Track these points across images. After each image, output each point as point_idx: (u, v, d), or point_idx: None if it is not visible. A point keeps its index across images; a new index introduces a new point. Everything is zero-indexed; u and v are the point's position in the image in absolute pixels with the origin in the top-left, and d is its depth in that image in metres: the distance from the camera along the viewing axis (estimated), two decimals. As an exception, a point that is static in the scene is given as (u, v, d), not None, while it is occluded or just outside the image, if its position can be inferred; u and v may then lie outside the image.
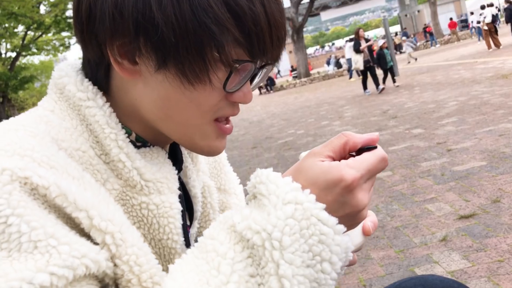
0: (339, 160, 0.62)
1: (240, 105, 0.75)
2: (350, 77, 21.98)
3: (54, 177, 0.61)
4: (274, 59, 0.73)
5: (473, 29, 26.58)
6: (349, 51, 20.47)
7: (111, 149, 0.70)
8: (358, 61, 13.24)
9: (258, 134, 10.97)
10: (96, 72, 0.73)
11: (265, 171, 0.61)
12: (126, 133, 0.73)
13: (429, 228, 3.59)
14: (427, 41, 38.46)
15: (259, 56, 0.68)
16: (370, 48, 13.33)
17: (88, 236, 0.63)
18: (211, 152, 0.76)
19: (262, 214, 0.58)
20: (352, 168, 0.59)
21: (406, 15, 54.99)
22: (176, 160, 0.83)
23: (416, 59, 23.45)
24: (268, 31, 0.66)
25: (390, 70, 13.61)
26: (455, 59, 18.74)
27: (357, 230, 0.72)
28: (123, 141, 0.71)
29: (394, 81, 13.89)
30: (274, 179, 0.60)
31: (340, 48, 64.50)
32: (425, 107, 9.08)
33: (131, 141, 0.74)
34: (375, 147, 0.63)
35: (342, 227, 0.57)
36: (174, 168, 0.79)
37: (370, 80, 13.58)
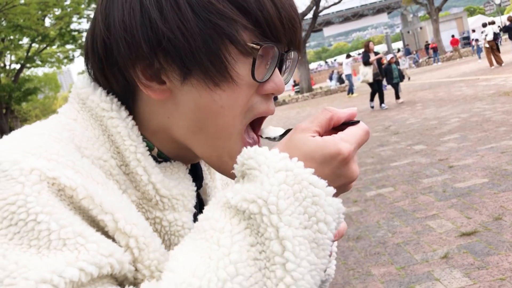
0: (323, 135, 0.63)
1: None
2: (348, 93, 21.77)
3: (81, 180, 0.61)
4: (294, 44, 0.73)
5: (474, 47, 26.66)
6: (346, 67, 20.52)
7: (130, 161, 0.70)
8: (368, 74, 13.27)
9: (259, 148, 10.98)
10: (125, 102, 0.74)
11: (251, 147, 0.62)
12: (147, 146, 0.73)
13: (430, 245, 3.57)
14: (429, 57, 38.63)
15: (274, 40, 0.68)
16: (379, 62, 13.37)
17: (112, 240, 0.63)
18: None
19: (255, 184, 0.59)
20: (346, 141, 0.61)
21: (408, 32, 55.33)
22: (197, 176, 0.82)
23: (409, 78, 22.80)
24: (276, 14, 0.67)
25: (395, 86, 13.64)
26: (457, 76, 18.80)
27: None
28: (142, 154, 0.71)
29: (397, 97, 13.90)
30: (262, 151, 0.61)
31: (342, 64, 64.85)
32: (427, 123, 9.09)
33: (152, 156, 0.74)
34: (358, 122, 0.65)
35: (332, 189, 0.59)
36: (194, 184, 0.78)
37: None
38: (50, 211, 0.57)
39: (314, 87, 34.95)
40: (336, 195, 0.62)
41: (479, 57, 25.26)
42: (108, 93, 0.73)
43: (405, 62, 24.97)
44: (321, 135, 0.63)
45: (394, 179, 5.69)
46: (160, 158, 0.77)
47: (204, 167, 0.88)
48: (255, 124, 0.76)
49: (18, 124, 26.26)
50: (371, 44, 13.61)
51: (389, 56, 13.98)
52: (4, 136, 0.68)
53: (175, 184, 0.74)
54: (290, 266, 0.56)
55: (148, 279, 0.64)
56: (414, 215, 4.33)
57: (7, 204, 0.56)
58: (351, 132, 0.63)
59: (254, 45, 0.66)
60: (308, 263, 0.57)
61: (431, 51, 37.82)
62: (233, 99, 0.68)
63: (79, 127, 0.71)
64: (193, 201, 0.77)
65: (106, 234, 0.62)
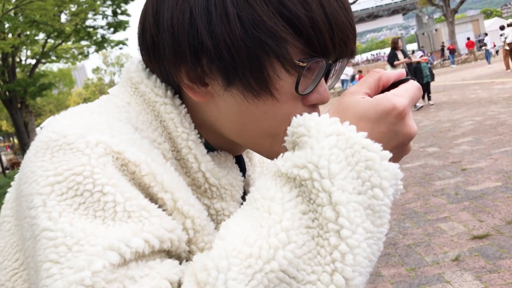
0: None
1: None
2: None
3: (144, 156, 0.62)
4: (345, 54, 0.70)
5: (489, 51, 26.21)
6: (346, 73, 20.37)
7: (182, 148, 0.70)
8: None
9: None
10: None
11: (301, 115, 0.60)
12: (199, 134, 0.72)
13: (442, 247, 3.55)
14: (444, 59, 38.30)
15: (322, 55, 0.66)
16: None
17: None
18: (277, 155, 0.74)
19: (305, 150, 0.56)
20: (400, 96, 0.58)
21: (423, 34, 54.92)
22: (240, 168, 0.82)
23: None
24: (329, 33, 0.64)
25: (425, 86, 12.50)
26: (472, 78, 18.63)
27: None
28: (193, 142, 0.71)
29: (429, 98, 13.16)
30: (312, 117, 0.58)
31: (357, 64, 64.53)
32: (441, 125, 9.02)
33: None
34: (408, 79, 0.63)
35: (388, 153, 0.56)
36: (241, 174, 0.78)
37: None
38: (115, 183, 0.57)
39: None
40: (395, 159, 0.59)
41: (488, 62, 24.77)
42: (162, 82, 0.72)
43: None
44: (371, 96, 0.61)
45: (406, 180, 5.66)
46: (207, 148, 0.76)
47: (246, 159, 0.88)
48: None
49: (32, 119, 26.51)
50: (399, 42, 12.28)
51: (418, 54, 13.20)
52: (62, 112, 0.69)
53: (224, 173, 0.74)
54: (345, 232, 0.53)
55: None
56: (425, 217, 4.30)
57: (73, 174, 0.57)
58: (404, 88, 0.61)
59: (300, 63, 0.64)
60: (364, 230, 0.54)
61: (447, 52, 37.43)
62: (277, 108, 0.67)
63: (133, 111, 0.71)
64: (240, 191, 0.77)
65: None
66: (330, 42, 0.64)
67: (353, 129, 0.56)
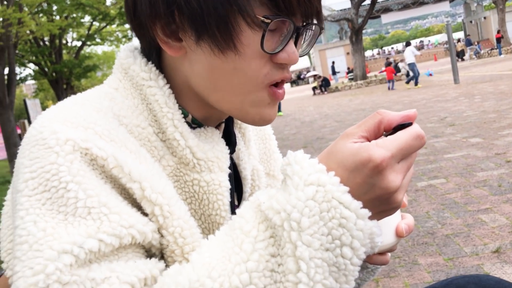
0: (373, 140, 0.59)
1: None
2: (408, 82, 19.90)
3: (112, 150, 0.66)
4: (311, 17, 0.72)
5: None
6: (409, 56, 18.82)
7: (167, 127, 0.75)
8: None
9: (309, 134, 10.93)
10: (150, 57, 0.79)
11: (294, 152, 0.60)
12: (182, 114, 0.77)
13: (482, 239, 3.48)
14: (492, 49, 36.97)
15: (287, 13, 0.68)
16: None
17: (139, 207, 0.68)
18: (262, 120, 0.76)
19: (284, 194, 0.57)
20: (382, 147, 0.55)
21: (471, 22, 53.09)
22: (230, 142, 0.86)
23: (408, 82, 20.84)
24: None
25: None
26: (521, 69, 17.93)
27: (390, 229, 0.70)
28: (178, 121, 0.75)
29: None
30: (300, 160, 0.58)
31: (399, 52, 63.04)
32: (485, 116, 8.76)
33: (187, 122, 0.78)
34: (410, 124, 0.58)
35: (366, 212, 0.55)
36: (227, 148, 0.82)
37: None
38: (79, 180, 0.62)
39: (368, 75, 34.30)
40: (378, 213, 0.58)
41: None
42: (147, 61, 0.78)
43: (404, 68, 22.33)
44: (369, 140, 0.59)
45: (447, 170, 5.55)
46: (194, 124, 0.81)
47: (238, 134, 0.92)
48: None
49: (77, 99, 27.16)
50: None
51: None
52: (56, 104, 0.75)
53: (210, 147, 0.79)
54: (302, 287, 0.54)
55: (172, 245, 0.69)
56: (466, 207, 4.21)
57: (43, 172, 0.62)
58: (393, 137, 0.57)
59: (264, 19, 0.66)
60: (323, 286, 0.55)
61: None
62: (246, 64, 0.70)
63: (119, 96, 0.77)
64: (227, 162, 0.81)
65: (134, 201, 0.68)
66: None
67: (335, 182, 0.56)
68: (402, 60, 23.14)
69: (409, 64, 18.91)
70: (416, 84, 19.15)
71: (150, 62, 0.77)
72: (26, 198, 0.61)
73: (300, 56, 0.76)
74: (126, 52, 0.81)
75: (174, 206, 0.69)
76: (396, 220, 0.70)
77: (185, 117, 0.78)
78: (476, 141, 6.83)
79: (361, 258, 0.56)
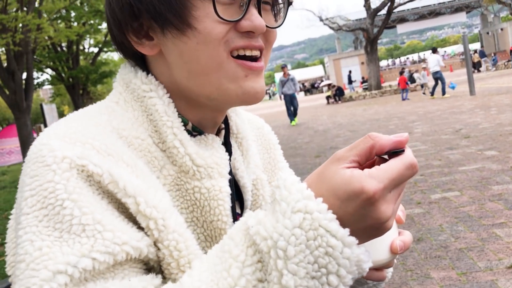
0: (365, 163, 0.59)
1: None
2: (432, 93, 18.85)
3: (108, 165, 0.68)
4: None
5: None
6: (434, 64, 17.70)
7: (167, 135, 0.76)
8: None
9: (322, 143, 10.91)
10: (137, 66, 0.82)
11: (285, 175, 0.60)
12: (182, 122, 0.79)
13: (496, 254, 3.43)
14: (508, 60, 36.60)
15: None
16: None
17: (135, 221, 0.69)
18: (246, 94, 0.76)
19: (272, 221, 0.57)
20: (374, 178, 0.55)
21: (488, 33, 52.70)
22: (228, 152, 0.87)
23: (424, 93, 20.85)
24: None
25: None
26: (538, 81, 17.71)
27: (385, 246, 0.69)
28: (177, 129, 0.77)
29: None
30: (289, 185, 0.58)
31: (415, 62, 62.69)
32: (501, 129, 8.67)
33: (187, 130, 0.80)
34: (402, 151, 0.58)
35: (353, 239, 0.55)
36: (227, 153, 0.83)
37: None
38: (75, 198, 0.63)
39: (383, 85, 34.16)
40: (367, 237, 0.59)
41: None
42: (148, 74, 0.80)
43: (419, 78, 21.93)
44: (361, 164, 0.59)
45: (461, 183, 5.50)
46: (195, 131, 0.83)
47: (235, 144, 0.93)
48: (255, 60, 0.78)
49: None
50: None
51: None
52: (59, 120, 0.77)
53: (209, 154, 0.80)
54: None
55: (167, 258, 0.70)
56: (480, 221, 4.17)
57: (41, 190, 0.64)
58: (385, 167, 0.56)
59: None
60: None
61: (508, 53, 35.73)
62: (205, 34, 0.72)
63: (119, 109, 0.79)
64: (227, 168, 0.82)
65: (130, 215, 0.69)
66: None
67: (323, 209, 0.55)
68: (417, 71, 22.87)
69: (435, 72, 17.86)
70: (443, 93, 18.22)
71: (150, 74, 0.80)
72: (25, 216, 0.63)
73: (273, 28, 0.78)
74: (127, 67, 0.83)
75: (169, 219, 0.70)
76: (392, 236, 0.69)
77: (185, 125, 0.80)
78: (491, 154, 6.76)
79: (348, 285, 0.56)
